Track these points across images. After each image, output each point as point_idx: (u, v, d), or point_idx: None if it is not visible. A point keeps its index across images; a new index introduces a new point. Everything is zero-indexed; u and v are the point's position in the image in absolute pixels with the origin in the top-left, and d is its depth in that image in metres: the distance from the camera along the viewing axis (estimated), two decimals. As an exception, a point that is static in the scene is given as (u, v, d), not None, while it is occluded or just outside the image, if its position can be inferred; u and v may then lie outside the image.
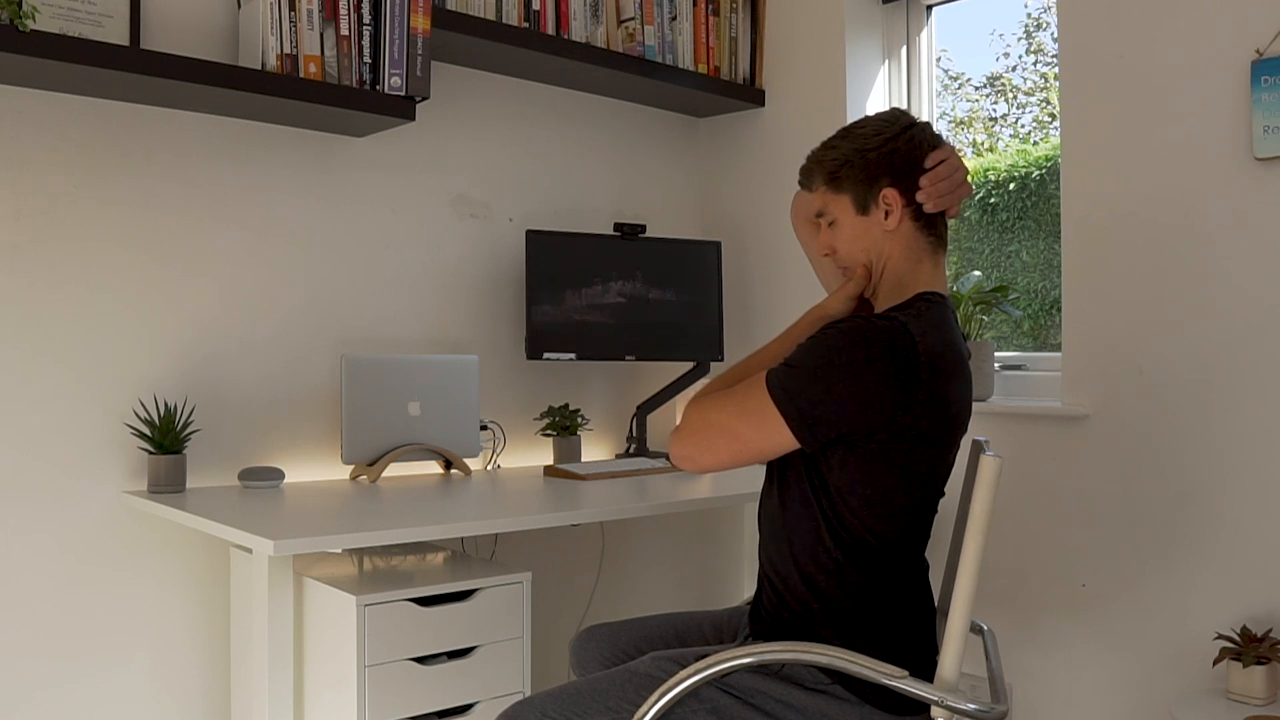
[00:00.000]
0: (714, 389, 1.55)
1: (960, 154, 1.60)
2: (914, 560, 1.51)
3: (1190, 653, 2.20)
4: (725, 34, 3.00)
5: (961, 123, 3.04)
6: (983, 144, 3.00)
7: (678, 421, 3.15)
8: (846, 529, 1.46)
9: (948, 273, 2.88)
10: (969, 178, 1.58)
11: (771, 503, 1.55)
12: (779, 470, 1.54)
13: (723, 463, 1.49)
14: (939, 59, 2.97)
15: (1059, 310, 2.61)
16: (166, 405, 2.17)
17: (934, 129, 1.58)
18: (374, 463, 2.38)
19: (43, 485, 2.09)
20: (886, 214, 1.53)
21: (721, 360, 2.93)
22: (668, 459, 2.68)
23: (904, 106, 2.93)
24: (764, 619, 1.55)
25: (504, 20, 2.54)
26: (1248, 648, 2.00)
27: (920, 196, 1.52)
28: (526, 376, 2.83)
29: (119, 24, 2.09)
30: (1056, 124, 2.72)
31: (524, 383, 2.83)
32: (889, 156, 1.53)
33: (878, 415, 1.39)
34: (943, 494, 1.53)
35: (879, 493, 1.44)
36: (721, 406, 1.48)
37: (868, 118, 1.59)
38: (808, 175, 1.61)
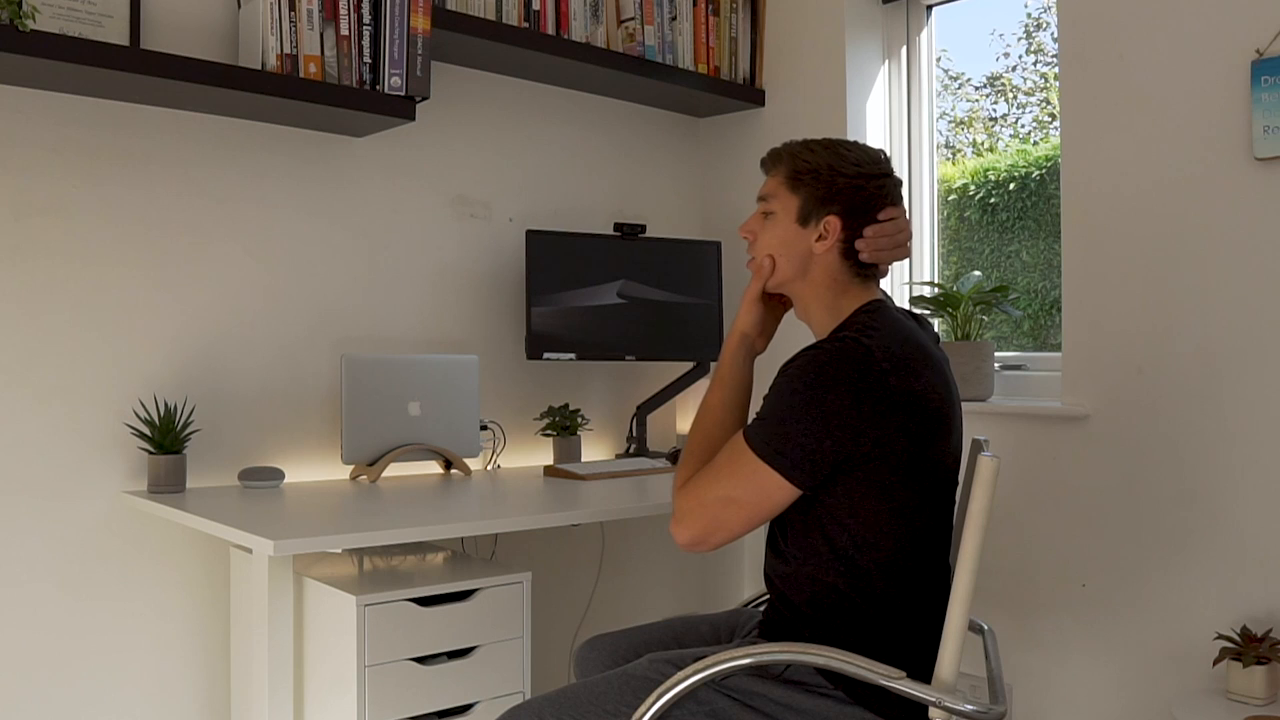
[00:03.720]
0: (689, 469, 1.54)
1: (910, 219, 1.62)
2: (926, 570, 1.49)
3: (1190, 653, 2.20)
4: (725, 34, 2.99)
5: (961, 123, 3.04)
6: (983, 144, 2.99)
7: (678, 426, 3.17)
8: (852, 557, 1.44)
9: (948, 272, 2.89)
10: (910, 242, 1.61)
11: (773, 532, 1.55)
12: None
13: (736, 533, 1.48)
14: (939, 59, 2.97)
15: (1059, 310, 2.61)
16: (166, 405, 2.18)
17: (901, 189, 1.60)
18: (374, 463, 2.38)
19: (43, 485, 2.09)
20: (820, 237, 1.54)
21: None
22: (668, 459, 2.68)
23: (903, 106, 2.93)
24: (773, 635, 1.55)
25: (504, 20, 2.54)
26: (1248, 648, 2.00)
27: (860, 244, 1.54)
28: (526, 376, 2.83)
29: (119, 24, 2.10)
30: (1056, 124, 2.72)
31: (524, 383, 2.83)
32: (853, 191, 1.54)
33: (860, 434, 1.39)
34: (956, 483, 1.52)
35: (887, 509, 1.43)
36: (714, 482, 1.48)
37: (856, 145, 1.59)
38: (775, 160, 1.61)
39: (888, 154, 1.61)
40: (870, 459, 1.40)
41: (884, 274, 1.62)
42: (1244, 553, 2.13)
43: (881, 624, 1.45)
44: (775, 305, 1.68)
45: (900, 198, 1.59)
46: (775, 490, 1.43)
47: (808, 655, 1.38)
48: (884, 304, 1.55)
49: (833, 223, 1.54)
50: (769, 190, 1.60)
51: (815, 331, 1.59)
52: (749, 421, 1.50)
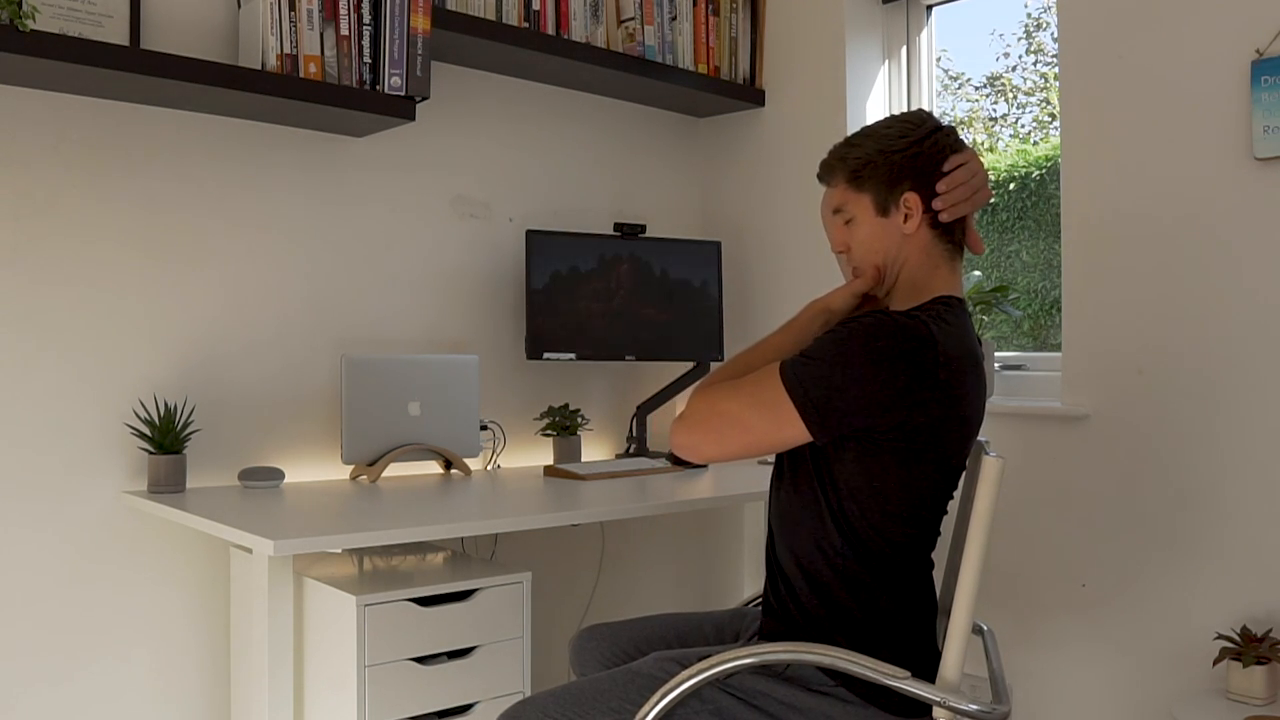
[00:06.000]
0: (720, 378, 1.54)
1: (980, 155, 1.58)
2: (920, 560, 1.51)
3: (1190, 653, 2.20)
4: (725, 34, 2.99)
5: (961, 123, 3.04)
6: (983, 144, 3.00)
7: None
8: (854, 527, 1.45)
9: (948, 273, 2.89)
10: (987, 183, 1.57)
11: (781, 497, 1.55)
12: (789, 464, 1.53)
13: (730, 453, 1.48)
14: (939, 59, 2.97)
15: (1059, 310, 2.61)
16: (166, 405, 2.17)
17: (958, 134, 1.57)
18: (374, 463, 2.38)
19: (43, 485, 2.09)
20: (906, 218, 1.52)
21: (721, 360, 2.93)
22: (668, 459, 2.68)
23: (903, 106, 2.93)
24: (774, 612, 1.55)
25: (504, 20, 2.54)
26: (1248, 648, 2.00)
27: (937, 204, 1.51)
28: (526, 376, 2.83)
29: (119, 24, 2.09)
30: (1056, 124, 2.72)
31: (524, 383, 2.83)
32: (913, 160, 1.52)
33: (892, 410, 1.39)
34: (952, 496, 1.53)
35: (888, 491, 1.44)
36: (732, 396, 1.47)
37: (893, 117, 1.58)
38: (829, 171, 1.60)
39: (927, 109, 1.58)
40: (890, 438, 1.40)
41: (972, 230, 1.57)
42: (1244, 553, 2.13)
43: (871, 605, 1.46)
44: (871, 302, 1.65)
45: (961, 143, 1.55)
46: (787, 425, 1.41)
47: (813, 655, 1.38)
48: (963, 304, 1.53)
49: (911, 199, 1.52)
50: (838, 200, 1.59)
51: (891, 301, 1.57)
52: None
